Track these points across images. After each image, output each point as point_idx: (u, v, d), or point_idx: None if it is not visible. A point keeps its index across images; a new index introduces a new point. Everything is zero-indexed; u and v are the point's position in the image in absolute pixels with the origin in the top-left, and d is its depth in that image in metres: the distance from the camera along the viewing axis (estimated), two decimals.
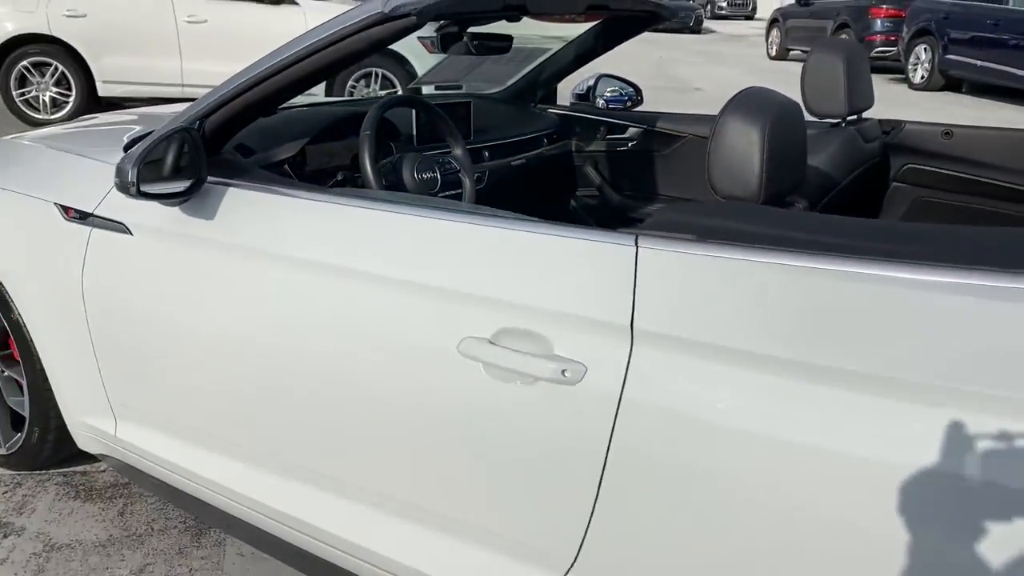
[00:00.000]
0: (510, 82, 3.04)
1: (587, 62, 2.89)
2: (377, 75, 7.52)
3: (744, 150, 1.45)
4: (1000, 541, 1.02)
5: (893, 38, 13.34)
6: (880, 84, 12.92)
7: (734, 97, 1.51)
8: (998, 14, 10.71)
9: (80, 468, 2.48)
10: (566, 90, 3.23)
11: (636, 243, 1.33)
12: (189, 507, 2.02)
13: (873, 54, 13.84)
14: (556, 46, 2.86)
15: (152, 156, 1.69)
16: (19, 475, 2.44)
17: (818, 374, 1.16)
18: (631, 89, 3.06)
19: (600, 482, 1.33)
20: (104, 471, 2.47)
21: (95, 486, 2.40)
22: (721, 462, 1.21)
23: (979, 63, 10.93)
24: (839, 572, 1.14)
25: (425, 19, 1.65)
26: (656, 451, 1.27)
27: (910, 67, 12.36)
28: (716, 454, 1.22)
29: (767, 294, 1.21)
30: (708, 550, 1.25)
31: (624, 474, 1.30)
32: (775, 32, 17.10)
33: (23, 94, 7.65)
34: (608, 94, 3.04)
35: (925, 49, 12.04)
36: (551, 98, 3.10)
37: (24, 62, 7.55)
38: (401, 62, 7.36)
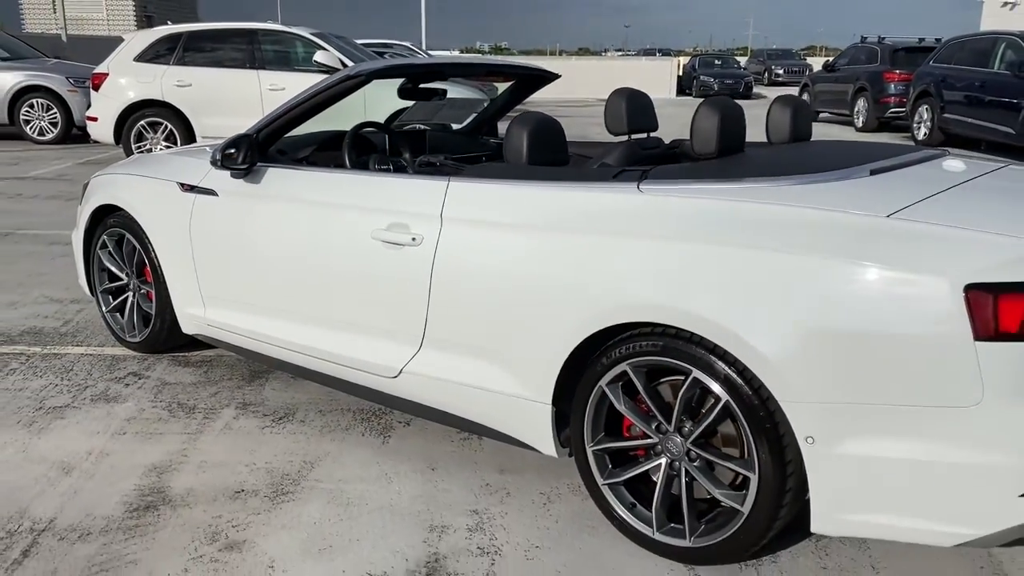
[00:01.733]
0: (467, 122, 4.56)
1: (511, 109, 4.41)
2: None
3: (517, 139, 2.89)
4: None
5: (904, 100, 14.54)
6: (892, 141, 14.11)
7: (516, 116, 2.97)
8: (984, 76, 11.89)
9: (181, 353, 4.02)
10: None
11: (448, 180, 2.81)
12: (245, 354, 3.52)
13: (887, 115, 15.09)
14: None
15: (229, 147, 3.25)
16: (145, 356, 4.00)
17: (504, 228, 2.60)
18: None
19: (430, 291, 2.77)
20: (195, 354, 4.00)
21: (190, 361, 3.94)
22: (478, 272, 2.65)
23: (970, 120, 12.07)
24: (517, 311, 2.56)
25: (371, 79, 3.19)
26: (452, 270, 2.71)
27: (914, 125, 13.52)
28: (475, 269, 2.66)
29: (497, 196, 2.66)
30: (469, 309, 2.68)
31: (439, 285, 2.75)
32: (805, 96, 18.40)
33: (140, 147, 9.57)
34: None
35: (926, 109, 13.21)
36: (493, 132, 4.60)
37: (142, 122, 9.50)
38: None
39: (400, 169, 3.72)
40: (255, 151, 3.32)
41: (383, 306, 2.93)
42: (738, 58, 37.48)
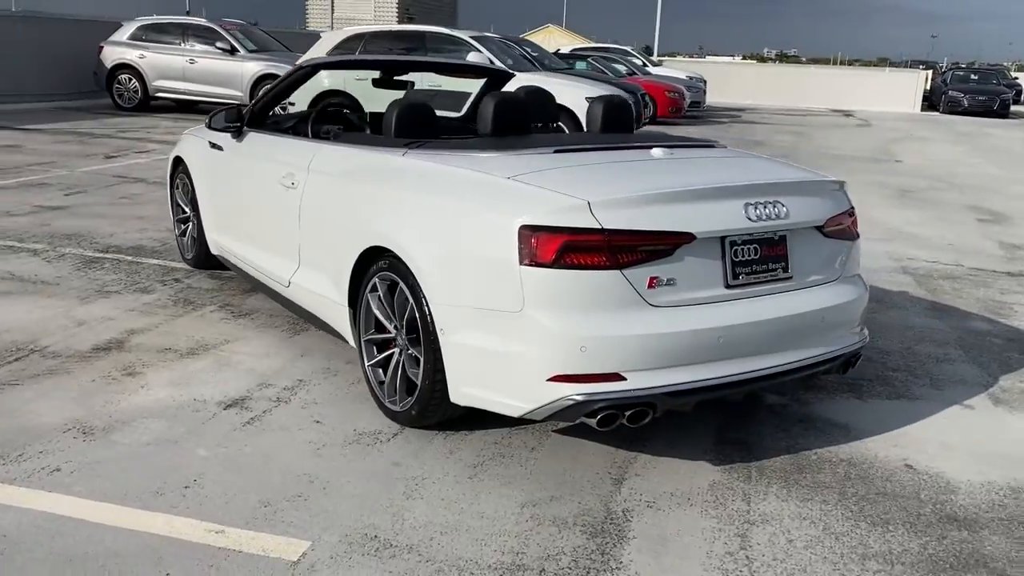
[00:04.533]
0: (464, 109, 5.54)
1: None
2: None
3: (388, 117, 3.85)
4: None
5: None
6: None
7: (392, 101, 3.93)
8: None
9: (213, 271, 5.37)
10: None
11: (320, 144, 3.85)
12: (235, 270, 4.76)
13: None
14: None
15: (223, 117, 4.50)
16: (193, 269, 5.39)
17: (330, 176, 3.59)
18: None
19: (300, 222, 3.83)
20: (228, 273, 5.33)
21: (220, 276, 5.27)
22: (318, 209, 3.67)
23: None
24: (346, 236, 3.56)
25: (318, 70, 4.31)
26: (309, 208, 3.75)
27: None
28: (317, 206, 3.68)
29: (334, 155, 3.67)
30: (315, 236, 3.70)
31: (304, 218, 3.80)
32: None
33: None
34: None
35: None
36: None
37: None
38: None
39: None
40: (243, 120, 4.54)
41: (282, 233, 4.03)
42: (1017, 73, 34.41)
